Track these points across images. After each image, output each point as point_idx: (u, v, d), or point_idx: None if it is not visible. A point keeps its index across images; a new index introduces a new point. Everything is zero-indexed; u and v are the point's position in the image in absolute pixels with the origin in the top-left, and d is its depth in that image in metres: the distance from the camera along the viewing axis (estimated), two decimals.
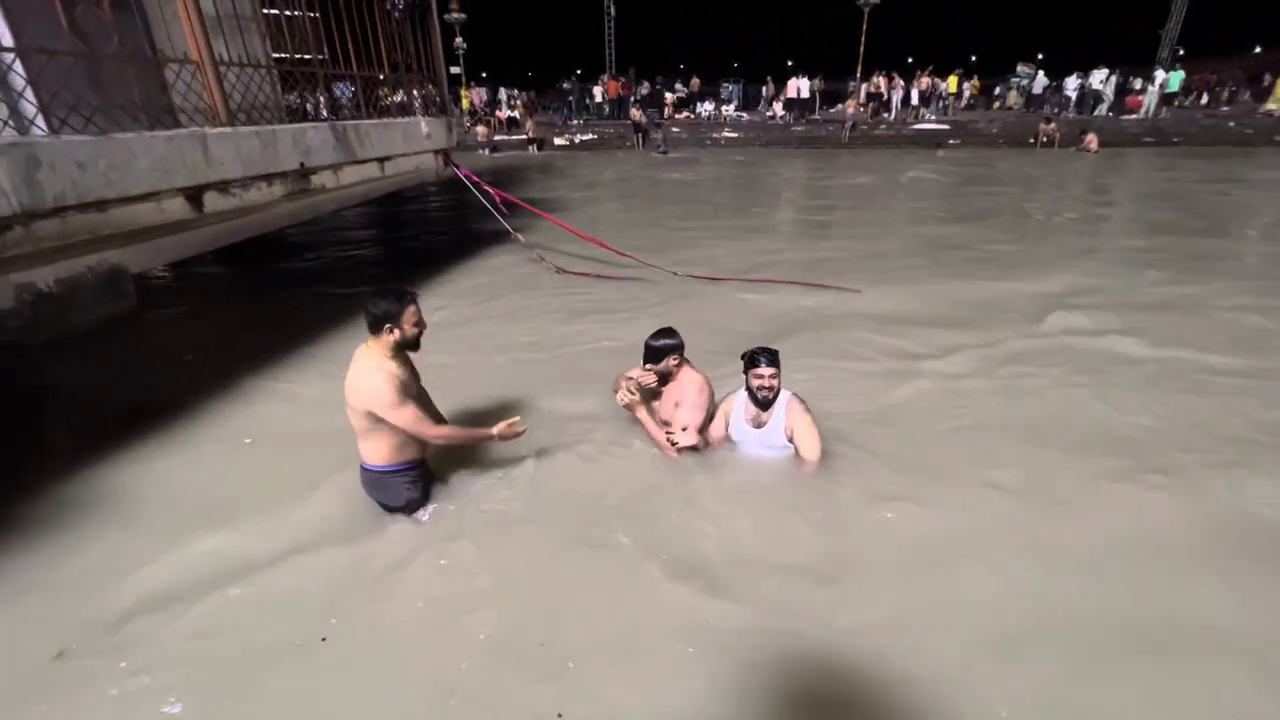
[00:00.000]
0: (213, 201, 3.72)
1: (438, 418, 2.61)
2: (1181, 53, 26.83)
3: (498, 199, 6.60)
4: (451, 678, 1.85)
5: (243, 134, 3.78)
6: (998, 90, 25.51)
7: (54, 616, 2.09)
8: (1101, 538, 2.37)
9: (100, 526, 2.57)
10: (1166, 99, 19.65)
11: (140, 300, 5.45)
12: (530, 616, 2.05)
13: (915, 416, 3.29)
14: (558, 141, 20.64)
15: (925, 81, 21.36)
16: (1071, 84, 21.64)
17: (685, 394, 2.78)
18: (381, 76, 5.35)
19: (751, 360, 2.67)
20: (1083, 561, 2.25)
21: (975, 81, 24.17)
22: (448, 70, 6.32)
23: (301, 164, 4.29)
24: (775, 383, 2.66)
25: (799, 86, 22.59)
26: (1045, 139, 16.98)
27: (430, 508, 2.57)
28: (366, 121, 5.02)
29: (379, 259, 7.39)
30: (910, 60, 31.85)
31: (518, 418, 2.61)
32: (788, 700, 1.75)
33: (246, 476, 2.90)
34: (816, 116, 22.79)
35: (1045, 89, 22.56)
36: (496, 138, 21.50)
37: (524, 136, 20.64)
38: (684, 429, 2.73)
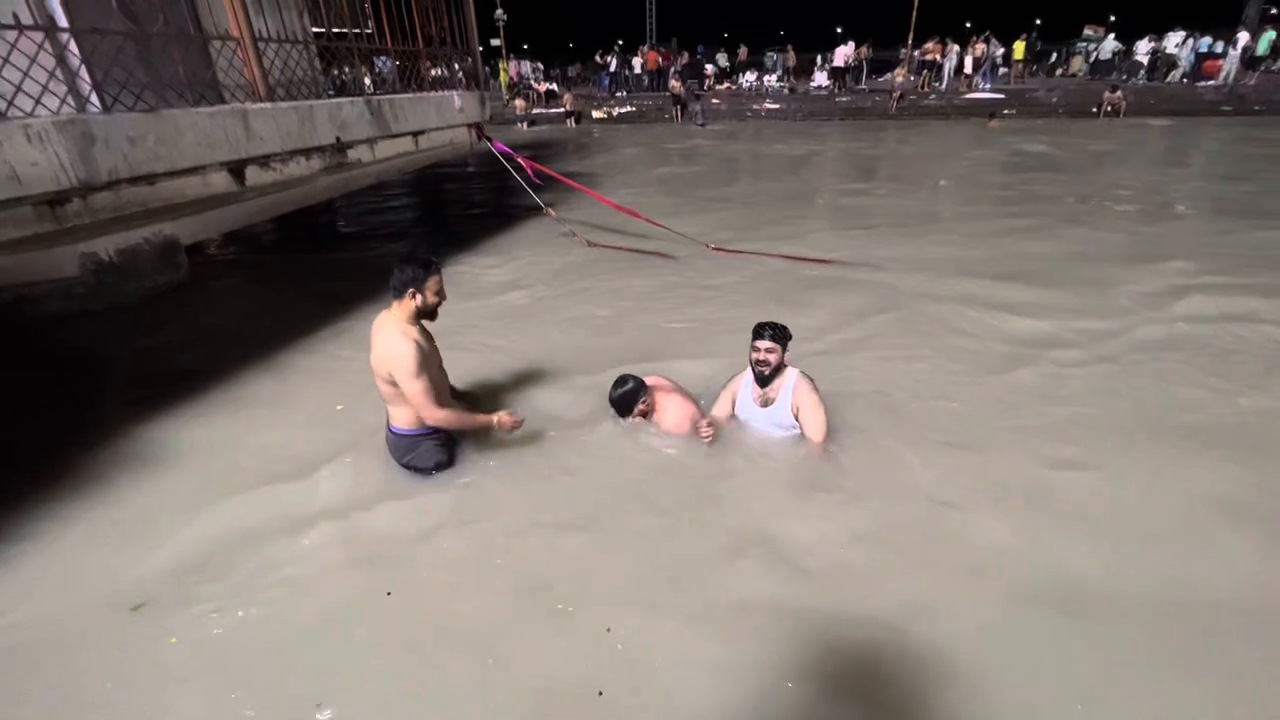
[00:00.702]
0: (254, 175, 3.88)
1: (446, 393, 2.67)
2: (1275, 11, 24.62)
3: (530, 171, 6.64)
4: (499, 641, 1.93)
5: (281, 109, 3.91)
6: (1053, 56, 23.90)
7: (128, 567, 2.25)
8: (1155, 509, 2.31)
9: (165, 479, 2.74)
10: (1252, 63, 18.11)
11: (192, 270, 5.76)
12: (565, 582, 2.12)
13: (944, 395, 3.22)
14: (595, 114, 20.48)
15: (980, 47, 20.22)
16: (1143, 48, 20.18)
17: (666, 419, 2.81)
18: (417, 50, 5.41)
19: (755, 333, 2.65)
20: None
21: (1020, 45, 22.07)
22: (487, 43, 6.32)
23: (338, 138, 4.42)
24: (772, 358, 2.61)
25: (845, 54, 21.72)
26: (1110, 108, 15.96)
27: (460, 469, 2.66)
28: (401, 96, 5.11)
29: (414, 233, 7.55)
30: (969, 25, 30.20)
31: (520, 409, 2.67)
32: (822, 681, 1.77)
33: (297, 439, 3.01)
34: (863, 86, 21.93)
35: (1115, 54, 21.07)
36: (534, 111, 21.49)
37: (562, 109, 20.56)
38: (704, 436, 2.67)
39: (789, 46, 24.74)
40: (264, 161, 3.93)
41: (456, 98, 5.87)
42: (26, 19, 2.89)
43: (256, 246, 6.91)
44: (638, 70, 25.05)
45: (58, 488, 2.65)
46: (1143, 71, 19.72)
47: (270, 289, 5.59)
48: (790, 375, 2.70)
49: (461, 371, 2.75)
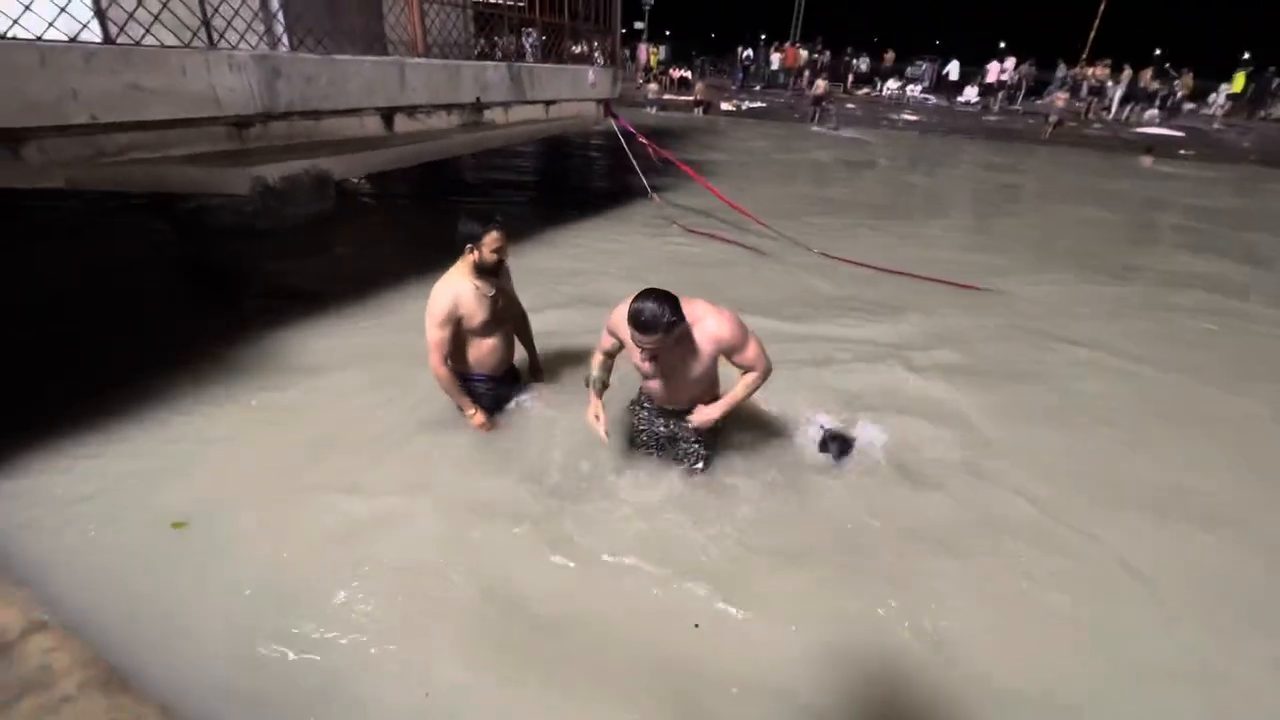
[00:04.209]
0: (401, 123, 4.28)
1: (500, 350, 2.69)
2: None
3: (651, 150, 6.76)
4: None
5: (434, 65, 4.28)
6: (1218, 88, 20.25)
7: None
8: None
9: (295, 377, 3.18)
10: None
11: (339, 203, 6.42)
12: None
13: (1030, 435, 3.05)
14: (724, 106, 20.32)
15: (1147, 75, 18.01)
16: None
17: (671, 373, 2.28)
18: (562, 24, 5.67)
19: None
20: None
21: (1188, 79, 18.74)
22: (630, 25, 6.45)
23: (478, 98, 4.76)
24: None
25: (1001, 70, 20.11)
26: None
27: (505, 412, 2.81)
28: (540, 65, 5.40)
29: (529, 198, 7.95)
30: (1158, 52, 26.98)
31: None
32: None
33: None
34: (1017, 107, 20.25)
35: None
36: (665, 96, 21.65)
37: (692, 98, 20.57)
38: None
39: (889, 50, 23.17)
40: (411, 111, 4.31)
41: (591, 73, 6.10)
42: None
43: (394, 190, 7.56)
44: (775, 66, 24.55)
45: (220, 363, 3.19)
46: None
47: (402, 229, 6.14)
48: None
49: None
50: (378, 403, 2.99)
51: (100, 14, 2.60)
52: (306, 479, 2.47)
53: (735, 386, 2.23)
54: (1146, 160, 13.63)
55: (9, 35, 2.39)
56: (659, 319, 1.91)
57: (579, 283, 4.67)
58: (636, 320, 1.93)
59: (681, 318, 1.98)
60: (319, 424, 2.82)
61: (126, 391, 2.90)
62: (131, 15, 2.70)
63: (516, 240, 2.70)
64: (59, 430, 2.60)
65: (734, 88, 23.71)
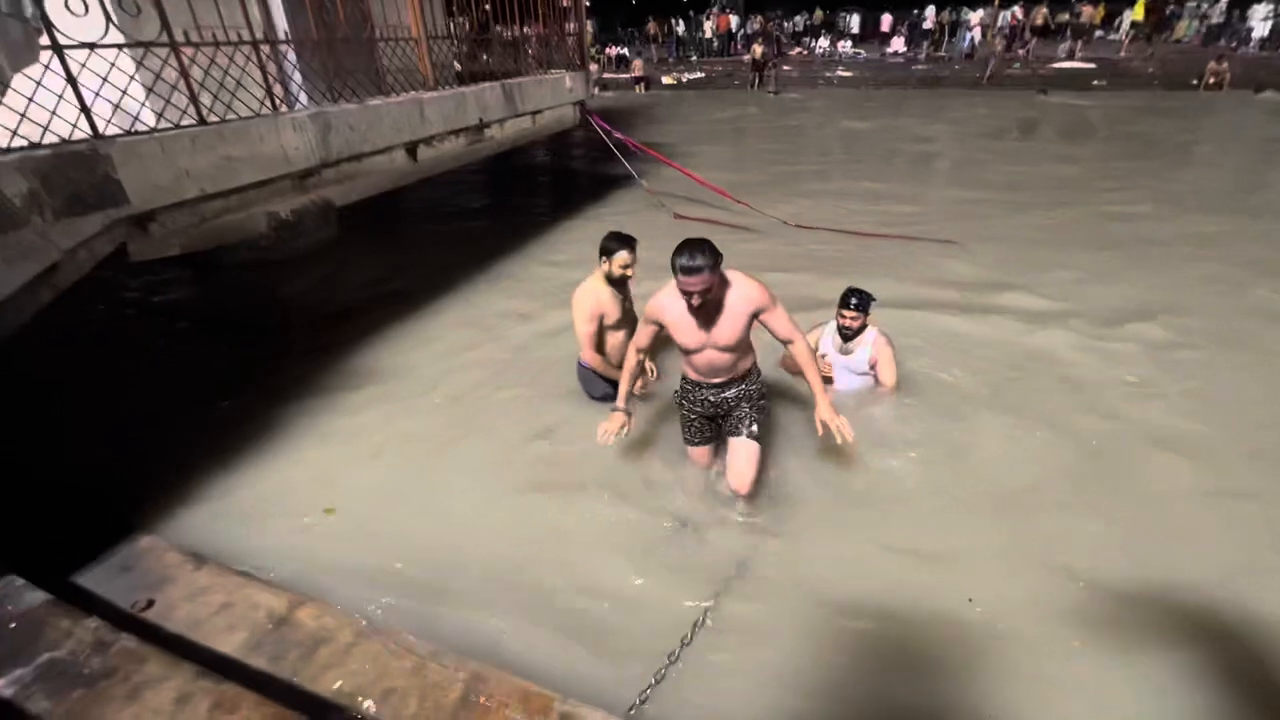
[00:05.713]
0: (423, 152, 4.67)
1: (625, 345, 3.06)
2: None
3: (631, 145, 7.24)
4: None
5: (445, 97, 4.68)
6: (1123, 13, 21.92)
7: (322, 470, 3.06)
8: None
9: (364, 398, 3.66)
10: None
11: (341, 229, 6.72)
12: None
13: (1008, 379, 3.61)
14: (664, 80, 20.68)
15: (1088, 11, 19.24)
16: (1261, 11, 18.62)
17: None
18: (546, 36, 6.04)
19: (844, 299, 3.09)
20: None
21: (1096, 11, 20.49)
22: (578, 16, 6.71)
23: (480, 119, 5.16)
24: (856, 324, 3.07)
25: (924, 16, 20.99)
26: (1213, 80, 15.11)
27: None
28: (526, 79, 5.82)
29: (525, 202, 8.32)
30: None
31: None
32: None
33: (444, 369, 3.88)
34: (942, 54, 21.19)
35: (1228, 19, 19.51)
36: (605, 75, 21.83)
37: (631, 75, 20.83)
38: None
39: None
40: (429, 141, 4.70)
41: (568, 79, 6.52)
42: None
43: (392, 208, 7.83)
44: (708, 34, 24.90)
45: (302, 384, 3.63)
46: (1254, 39, 18.29)
47: (405, 246, 6.50)
48: (870, 332, 3.18)
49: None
50: (460, 401, 3.53)
51: (193, 98, 2.97)
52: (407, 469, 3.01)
53: (805, 374, 2.47)
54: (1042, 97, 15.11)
55: (134, 130, 2.77)
56: (701, 254, 2.11)
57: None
58: (681, 262, 2.12)
59: (720, 259, 2.19)
60: (419, 425, 3.34)
61: (250, 419, 3.36)
62: (216, 96, 3.08)
63: (520, 244, 3.12)
64: (218, 462, 3.05)
65: (670, 59, 24.00)
